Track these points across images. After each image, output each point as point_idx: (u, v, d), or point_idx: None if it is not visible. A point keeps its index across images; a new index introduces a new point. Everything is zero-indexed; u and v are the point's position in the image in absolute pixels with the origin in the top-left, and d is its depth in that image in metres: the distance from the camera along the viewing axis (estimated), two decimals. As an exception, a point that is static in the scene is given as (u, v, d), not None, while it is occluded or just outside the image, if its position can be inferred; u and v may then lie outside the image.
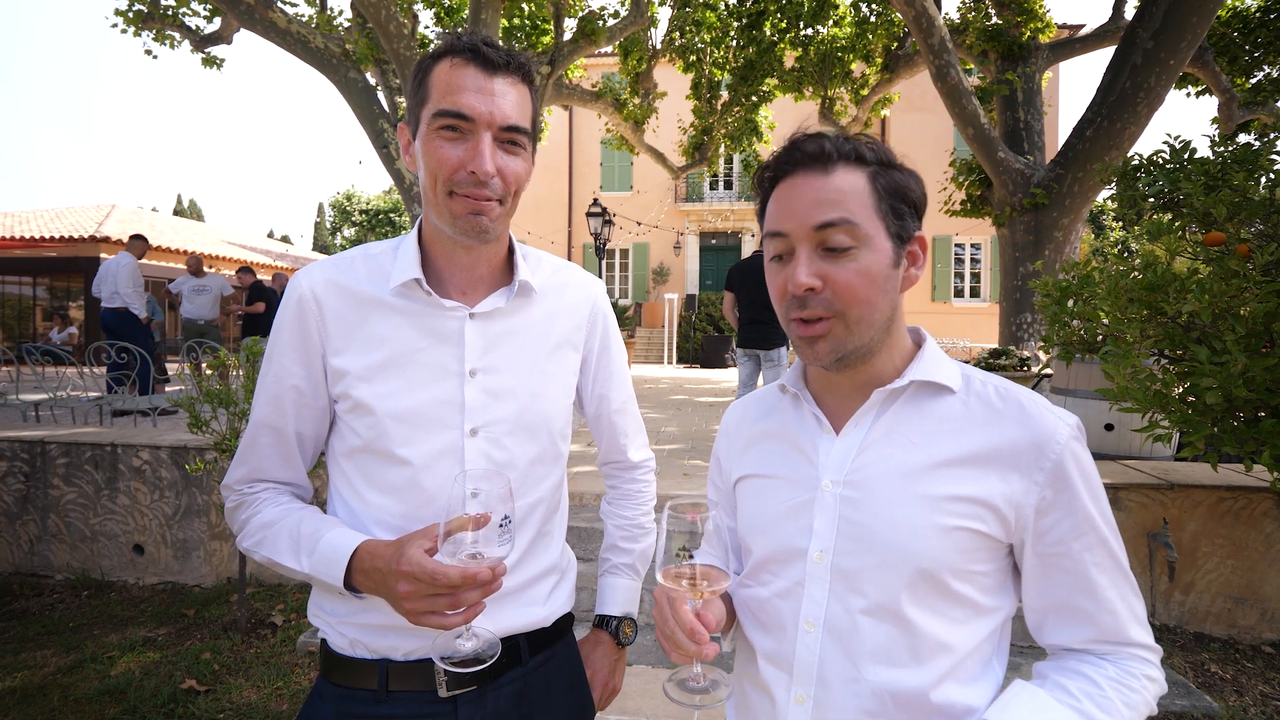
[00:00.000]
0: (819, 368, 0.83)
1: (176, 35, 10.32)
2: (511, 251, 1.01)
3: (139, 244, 7.45)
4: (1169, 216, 3.11)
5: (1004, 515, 0.75)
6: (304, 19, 9.40)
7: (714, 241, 21.88)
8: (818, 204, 0.75)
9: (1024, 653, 2.75)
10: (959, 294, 20.36)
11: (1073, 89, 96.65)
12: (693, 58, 11.62)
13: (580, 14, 9.94)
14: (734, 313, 5.20)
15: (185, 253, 16.43)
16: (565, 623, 1.09)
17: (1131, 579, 0.77)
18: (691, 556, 0.77)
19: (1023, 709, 0.72)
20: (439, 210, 0.90)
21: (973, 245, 20.23)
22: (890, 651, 0.76)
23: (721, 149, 13.32)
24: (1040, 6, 8.50)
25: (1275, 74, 9.40)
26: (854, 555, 0.78)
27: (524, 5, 10.23)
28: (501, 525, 0.79)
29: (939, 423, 0.79)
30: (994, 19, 8.90)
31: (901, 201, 0.78)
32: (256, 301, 8.81)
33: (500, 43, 0.89)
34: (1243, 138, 9.65)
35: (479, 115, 0.86)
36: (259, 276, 9.31)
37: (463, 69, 0.86)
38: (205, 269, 9.02)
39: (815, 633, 0.79)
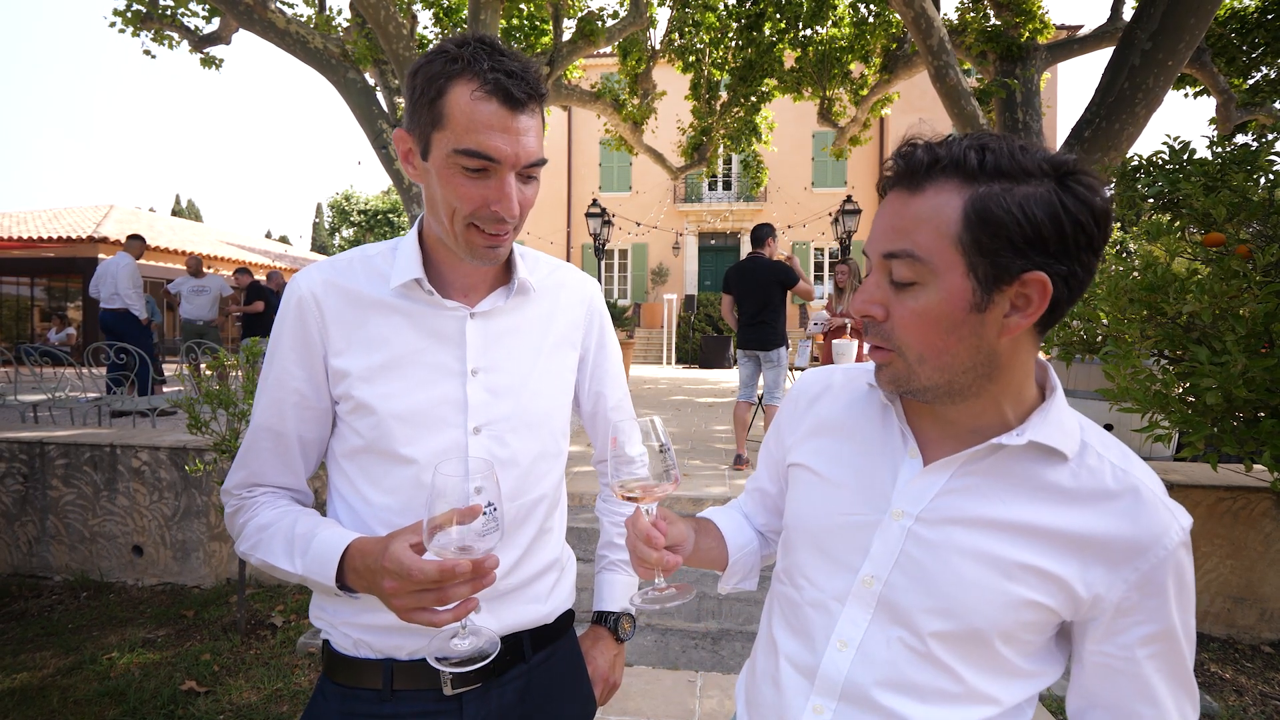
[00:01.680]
0: None
1: (175, 35, 10.30)
2: (509, 251, 1.02)
3: (137, 244, 7.43)
4: (1168, 217, 3.12)
5: (1077, 596, 0.69)
6: (303, 19, 9.39)
7: (713, 242, 21.88)
8: (891, 229, 0.68)
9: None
10: (958, 294, 20.38)
11: (1071, 90, 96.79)
12: (692, 58, 11.62)
13: (579, 14, 9.95)
14: (733, 314, 5.24)
15: (184, 253, 16.41)
16: (567, 619, 1.09)
17: (1194, 690, 0.73)
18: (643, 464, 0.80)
19: None
20: (453, 238, 0.90)
21: (971, 246, 20.26)
22: (921, 689, 0.73)
23: (720, 149, 13.33)
24: (1038, 7, 8.51)
25: (1273, 75, 9.41)
26: (907, 593, 0.73)
27: (523, 5, 10.22)
28: (485, 513, 0.77)
29: (1039, 489, 0.71)
30: (993, 20, 8.91)
31: (996, 236, 0.63)
32: (255, 301, 8.78)
33: (512, 48, 0.87)
34: (1240, 138, 9.67)
35: (505, 158, 0.84)
36: (255, 277, 9.25)
37: (485, 104, 0.82)
38: (204, 269, 9.01)
39: (847, 652, 0.76)
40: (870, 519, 0.77)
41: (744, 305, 5.10)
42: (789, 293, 5.09)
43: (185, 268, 8.73)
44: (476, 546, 0.76)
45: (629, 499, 0.80)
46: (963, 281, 0.65)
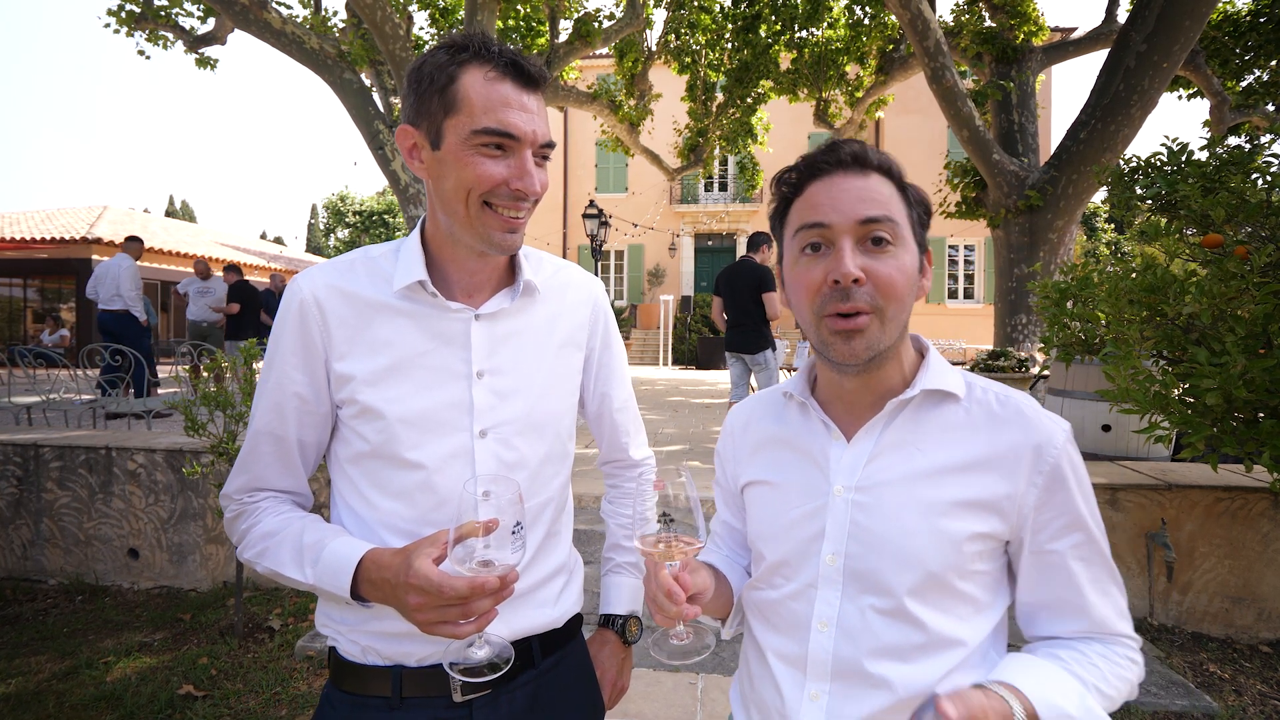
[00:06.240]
0: (837, 373, 0.84)
1: (170, 36, 10.27)
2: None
3: (136, 245, 7.44)
4: (1166, 218, 3.13)
5: (1007, 515, 0.79)
6: (299, 19, 9.37)
7: (709, 243, 21.90)
8: (863, 200, 0.78)
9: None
10: (953, 295, 20.44)
11: (1066, 91, 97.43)
12: (688, 60, 11.64)
13: (576, 15, 9.96)
14: (722, 317, 5.29)
15: (178, 254, 16.36)
16: (575, 623, 1.09)
17: (1116, 573, 0.82)
18: (672, 520, 0.81)
19: (1015, 665, 0.75)
20: (467, 222, 0.89)
21: (966, 247, 20.33)
22: (901, 648, 0.79)
23: (716, 151, 13.35)
24: (1034, 9, 8.55)
25: (1266, 77, 9.48)
26: (865, 558, 0.81)
27: (520, 6, 10.22)
28: (514, 532, 0.79)
29: (945, 430, 0.83)
30: (988, 22, 8.95)
31: (925, 213, 0.85)
32: (233, 302, 8.75)
33: (519, 50, 0.90)
34: (1233, 140, 9.73)
35: (524, 135, 0.86)
36: (244, 277, 9.17)
37: (500, 84, 0.85)
38: (211, 272, 9.06)
39: (828, 632, 0.82)
40: (819, 503, 0.85)
41: (729, 308, 5.17)
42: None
43: (193, 270, 8.73)
44: (499, 560, 0.78)
45: (647, 553, 0.79)
46: (914, 246, 0.82)
